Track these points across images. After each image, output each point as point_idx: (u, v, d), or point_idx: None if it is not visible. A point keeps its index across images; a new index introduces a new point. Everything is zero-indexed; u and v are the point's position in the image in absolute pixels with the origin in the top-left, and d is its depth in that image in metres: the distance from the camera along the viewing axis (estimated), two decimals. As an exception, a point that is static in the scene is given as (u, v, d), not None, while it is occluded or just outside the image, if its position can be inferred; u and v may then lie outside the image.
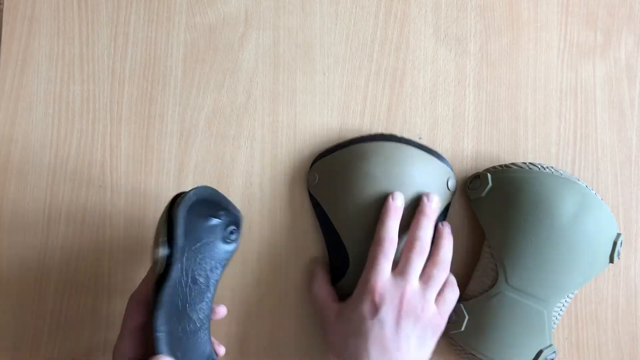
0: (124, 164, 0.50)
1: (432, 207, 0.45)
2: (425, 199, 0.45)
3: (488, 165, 0.50)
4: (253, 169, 0.50)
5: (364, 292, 0.42)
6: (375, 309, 0.41)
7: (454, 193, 0.49)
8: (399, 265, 0.43)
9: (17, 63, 0.50)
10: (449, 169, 0.49)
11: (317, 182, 0.48)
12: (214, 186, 0.50)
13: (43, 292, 0.49)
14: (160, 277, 0.37)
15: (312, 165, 0.49)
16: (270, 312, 0.49)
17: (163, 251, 0.37)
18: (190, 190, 0.39)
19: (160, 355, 0.36)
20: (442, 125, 0.51)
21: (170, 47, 0.51)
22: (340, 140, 0.49)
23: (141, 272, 0.49)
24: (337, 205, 0.46)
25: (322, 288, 0.46)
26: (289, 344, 0.49)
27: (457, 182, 0.49)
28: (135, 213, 0.49)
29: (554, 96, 0.52)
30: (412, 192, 0.45)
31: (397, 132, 0.50)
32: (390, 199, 0.44)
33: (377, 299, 0.41)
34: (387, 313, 0.41)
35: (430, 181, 0.46)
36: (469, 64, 0.52)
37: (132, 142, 0.50)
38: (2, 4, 0.51)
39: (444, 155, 0.50)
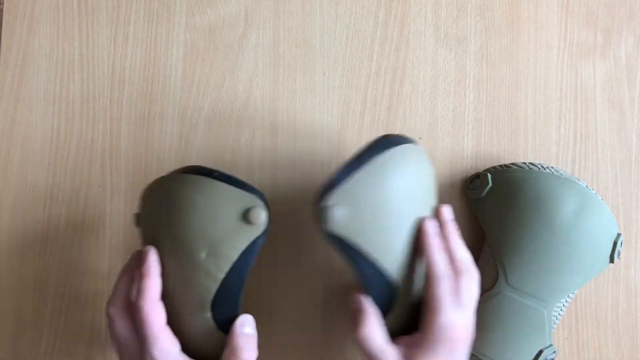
0: (124, 164, 0.50)
1: (453, 218, 0.42)
2: (444, 212, 0.41)
3: (488, 165, 0.50)
4: (253, 169, 0.50)
5: (440, 339, 0.38)
6: (453, 352, 0.38)
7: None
8: (457, 293, 0.39)
9: (17, 63, 0.50)
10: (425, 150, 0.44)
11: (348, 217, 0.37)
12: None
13: (43, 293, 0.49)
14: (256, 240, 0.38)
15: (321, 198, 0.38)
16: (267, 318, 0.49)
17: (264, 212, 0.39)
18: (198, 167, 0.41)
19: (246, 314, 0.39)
20: (442, 125, 0.51)
21: (170, 47, 0.51)
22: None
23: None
24: (378, 236, 0.38)
25: (376, 332, 0.39)
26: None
27: (439, 173, 0.48)
28: (135, 213, 0.49)
29: (554, 96, 0.52)
30: (433, 189, 0.42)
31: (397, 132, 0.50)
32: (426, 227, 0.39)
33: (455, 344, 0.38)
34: (463, 351, 0.39)
35: (432, 168, 0.42)
36: (469, 64, 0.52)
37: (132, 142, 0.50)
38: (2, 4, 0.51)
39: (444, 155, 0.50)
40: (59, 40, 0.50)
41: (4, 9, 0.51)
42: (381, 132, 0.50)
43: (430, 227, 0.40)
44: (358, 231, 0.38)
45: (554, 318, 0.46)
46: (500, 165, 0.49)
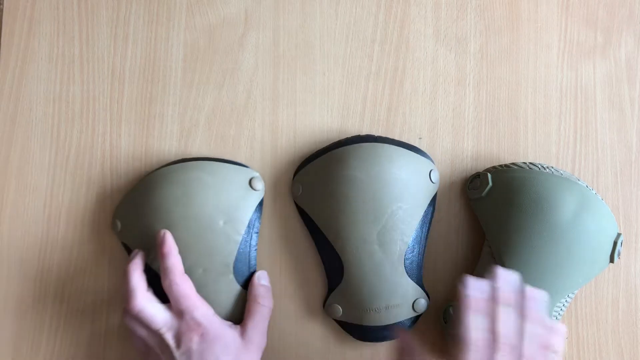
0: (124, 164, 0.50)
1: (531, 294, 0.38)
2: (462, 290, 0.38)
3: (488, 165, 0.50)
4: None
5: None
6: None
7: (437, 184, 0.49)
8: None
9: (17, 63, 0.50)
10: (430, 162, 0.49)
11: (301, 193, 0.48)
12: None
13: (43, 293, 0.49)
14: (260, 203, 0.47)
15: (294, 175, 0.49)
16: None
17: (262, 180, 0.48)
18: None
19: (261, 270, 0.47)
20: (442, 125, 0.51)
21: (170, 47, 0.51)
22: (319, 148, 0.49)
23: (141, 272, 0.49)
24: (324, 213, 0.46)
25: None
26: (286, 349, 0.49)
27: (439, 173, 0.50)
28: (135, 213, 0.49)
29: (554, 96, 0.52)
30: (396, 190, 0.45)
31: (397, 132, 0.50)
32: (464, 285, 0.37)
33: None
34: None
35: (412, 176, 0.46)
36: (469, 64, 0.52)
37: (132, 142, 0.50)
38: (2, 4, 0.51)
39: (444, 155, 0.50)
40: (59, 40, 0.50)
41: (4, 9, 0.51)
42: (381, 132, 0.50)
43: (471, 287, 0.37)
44: (310, 206, 0.47)
45: (554, 318, 0.46)
46: (501, 165, 0.48)
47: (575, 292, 0.46)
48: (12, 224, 0.49)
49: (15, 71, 0.50)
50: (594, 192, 0.45)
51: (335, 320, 0.48)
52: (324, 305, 0.48)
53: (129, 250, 0.47)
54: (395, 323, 0.46)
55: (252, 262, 0.47)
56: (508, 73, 0.52)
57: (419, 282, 0.47)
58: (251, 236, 0.46)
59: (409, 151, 0.48)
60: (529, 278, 0.44)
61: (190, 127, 0.50)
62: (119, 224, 0.47)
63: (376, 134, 0.50)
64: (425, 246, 0.48)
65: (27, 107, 0.50)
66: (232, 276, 0.45)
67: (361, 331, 0.47)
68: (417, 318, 0.48)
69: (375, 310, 0.46)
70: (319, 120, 0.51)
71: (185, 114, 0.50)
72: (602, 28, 0.53)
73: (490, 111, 0.51)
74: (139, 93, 0.50)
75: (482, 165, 0.51)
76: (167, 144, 0.50)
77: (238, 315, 0.46)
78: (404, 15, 0.52)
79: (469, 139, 0.51)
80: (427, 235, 0.48)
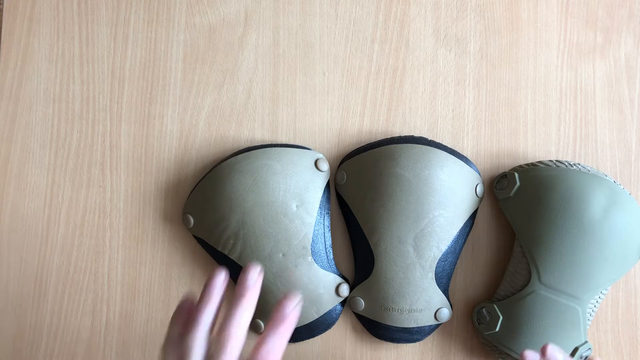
0: (124, 164, 0.50)
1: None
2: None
3: (488, 165, 0.50)
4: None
5: None
6: None
7: (481, 199, 0.48)
8: None
9: (17, 63, 0.50)
10: (477, 175, 0.48)
11: (345, 182, 0.48)
12: (214, 186, 0.50)
13: (43, 292, 0.49)
14: (327, 184, 0.48)
15: (340, 164, 0.49)
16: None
17: (326, 160, 0.49)
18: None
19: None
20: (442, 125, 0.51)
21: (170, 47, 0.51)
22: (370, 141, 0.49)
23: (142, 270, 0.49)
24: (365, 205, 0.47)
25: None
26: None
27: (485, 188, 0.49)
28: (135, 213, 0.49)
29: (554, 96, 0.52)
30: (441, 196, 0.45)
31: (397, 132, 0.50)
32: None
33: None
34: None
35: (459, 186, 0.46)
36: (469, 64, 0.52)
37: (132, 142, 0.50)
38: (2, 4, 0.51)
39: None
40: (59, 40, 0.50)
41: (4, 9, 0.51)
42: (381, 132, 0.50)
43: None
44: (352, 196, 0.48)
45: (588, 315, 0.46)
46: (527, 164, 0.48)
47: (609, 288, 0.46)
48: (12, 224, 0.49)
49: (15, 71, 0.50)
50: (621, 187, 0.45)
51: (356, 313, 0.48)
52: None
53: (203, 244, 0.47)
54: (414, 327, 0.47)
55: (328, 242, 0.47)
56: (508, 73, 0.52)
57: (445, 292, 0.47)
58: (324, 217, 0.47)
59: (460, 161, 0.48)
60: (562, 276, 0.44)
61: (190, 127, 0.50)
62: (191, 219, 0.47)
63: (376, 134, 0.50)
64: (458, 258, 0.48)
65: (27, 107, 0.50)
66: (310, 258, 0.46)
67: (379, 329, 0.47)
68: (436, 326, 0.48)
69: (398, 311, 0.46)
70: (319, 120, 0.51)
71: (185, 114, 0.50)
72: (602, 28, 0.53)
73: (490, 111, 0.51)
74: (139, 93, 0.50)
75: (482, 165, 0.51)
76: (167, 144, 0.50)
77: (321, 297, 0.46)
78: (403, 15, 0.52)
79: (468, 139, 0.51)
80: (462, 247, 0.48)
